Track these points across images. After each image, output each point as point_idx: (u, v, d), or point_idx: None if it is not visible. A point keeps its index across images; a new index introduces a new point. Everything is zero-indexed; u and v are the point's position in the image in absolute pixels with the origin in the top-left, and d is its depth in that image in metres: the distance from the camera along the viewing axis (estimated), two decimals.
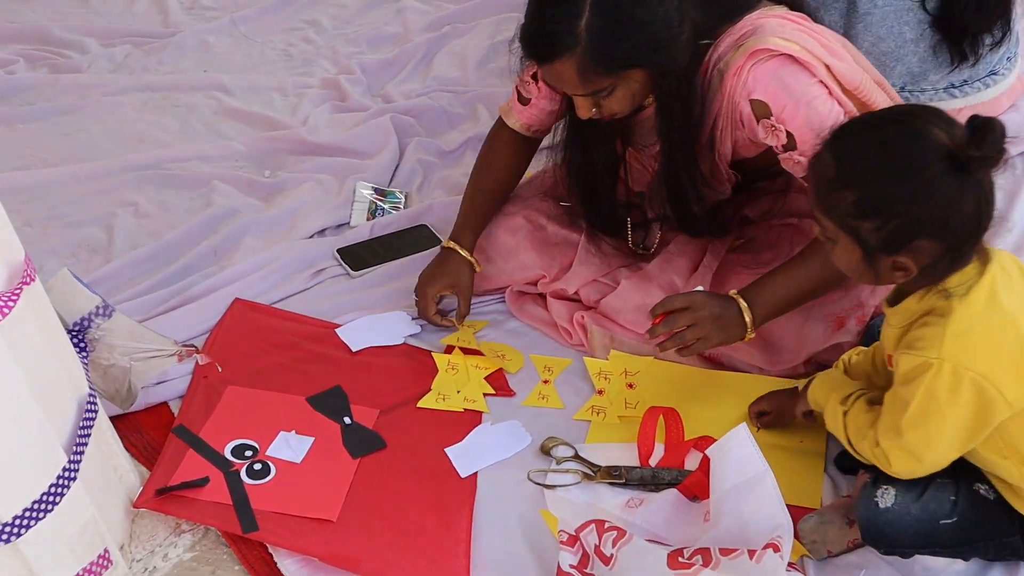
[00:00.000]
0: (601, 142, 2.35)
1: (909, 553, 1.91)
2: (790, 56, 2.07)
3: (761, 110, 2.10)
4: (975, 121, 1.60)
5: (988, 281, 1.70)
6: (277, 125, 3.34)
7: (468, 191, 2.56)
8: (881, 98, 2.21)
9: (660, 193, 2.37)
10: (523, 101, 2.47)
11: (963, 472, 1.84)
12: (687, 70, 2.10)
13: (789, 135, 2.09)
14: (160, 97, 3.49)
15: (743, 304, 2.17)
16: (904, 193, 1.63)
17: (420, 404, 2.33)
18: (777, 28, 2.09)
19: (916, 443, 1.74)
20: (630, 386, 2.35)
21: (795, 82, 2.06)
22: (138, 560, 2.04)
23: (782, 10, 2.19)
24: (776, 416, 2.19)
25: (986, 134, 1.58)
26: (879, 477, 1.87)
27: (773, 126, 2.10)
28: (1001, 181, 2.81)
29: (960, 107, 2.89)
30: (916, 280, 1.73)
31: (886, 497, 1.85)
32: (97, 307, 2.03)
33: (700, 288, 2.24)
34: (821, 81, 2.08)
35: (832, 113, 2.08)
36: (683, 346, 2.17)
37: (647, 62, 2.06)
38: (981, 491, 1.84)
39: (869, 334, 2.25)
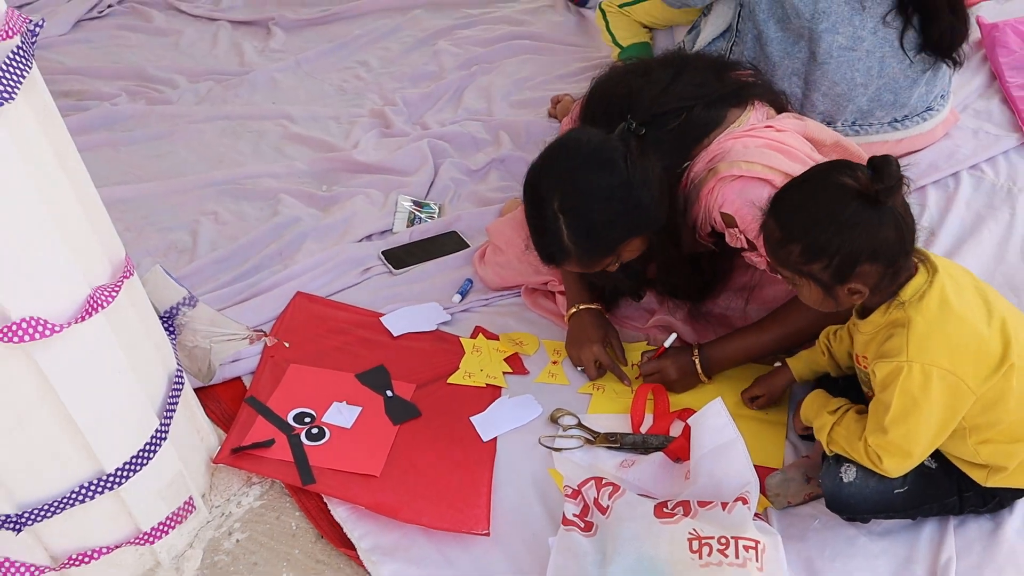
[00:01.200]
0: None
1: (867, 518, 1.92)
2: (752, 177, 2.05)
3: (729, 221, 2.09)
4: (873, 161, 1.66)
5: (938, 288, 1.73)
6: (333, 148, 3.35)
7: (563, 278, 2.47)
8: None
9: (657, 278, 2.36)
10: None
11: None
12: (669, 215, 2.06)
13: (749, 241, 2.09)
14: (236, 124, 3.51)
15: (697, 360, 2.25)
16: (834, 234, 1.68)
17: (450, 380, 2.35)
18: (742, 151, 2.07)
19: (901, 439, 1.75)
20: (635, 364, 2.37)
21: (757, 199, 1.99)
22: (216, 506, 2.07)
23: (748, 123, 2.16)
24: (768, 397, 2.19)
25: (884, 169, 1.64)
26: (842, 455, 1.89)
27: (736, 235, 2.10)
28: (935, 197, 2.83)
29: (900, 138, 2.89)
30: (873, 297, 1.76)
31: (848, 473, 1.86)
32: (184, 298, 2.06)
33: (673, 336, 2.32)
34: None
35: None
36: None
37: (632, 235, 2.02)
38: (925, 463, 1.85)
39: None
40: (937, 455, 1.85)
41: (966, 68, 3.39)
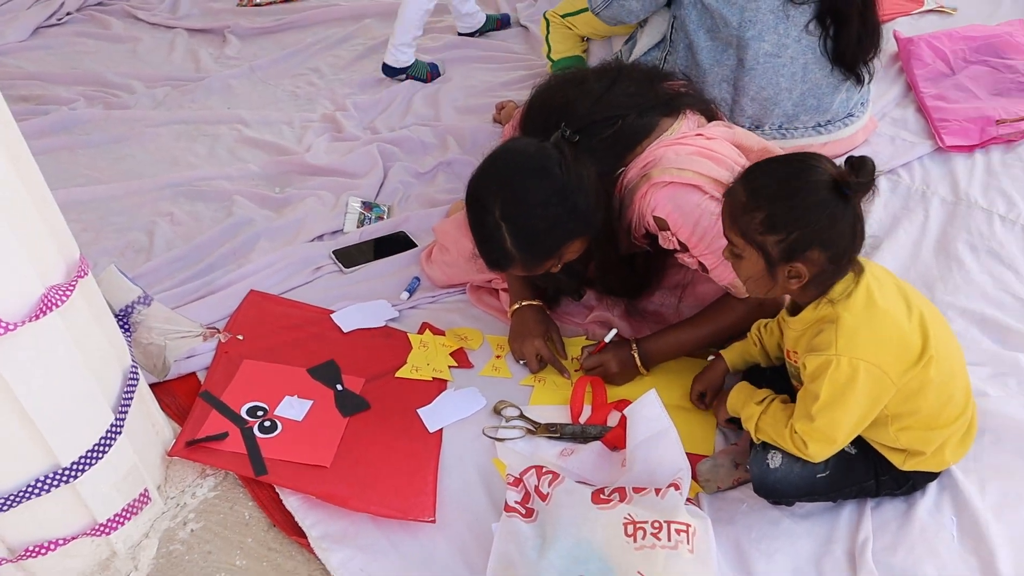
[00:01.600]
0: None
1: (792, 502, 1.94)
2: (682, 183, 2.06)
3: (661, 224, 2.10)
4: (852, 159, 1.67)
5: (864, 287, 1.75)
6: (286, 151, 3.33)
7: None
8: None
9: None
10: None
11: None
12: (605, 217, 2.06)
13: (681, 243, 2.10)
14: (192, 128, 3.46)
15: (636, 354, 2.25)
16: (801, 211, 1.68)
17: (398, 374, 2.33)
18: (673, 159, 2.08)
19: (826, 426, 1.77)
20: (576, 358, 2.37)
21: (686, 203, 2.04)
22: (172, 497, 2.04)
23: (680, 131, 2.17)
24: (711, 391, 2.19)
25: (862, 167, 1.65)
26: (768, 444, 1.90)
27: (668, 237, 2.11)
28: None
29: (824, 142, 2.93)
30: (807, 292, 1.78)
31: (775, 459, 1.88)
32: (138, 297, 2.03)
33: (613, 331, 2.32)
34: (710, 195, 2.05)
35: (717, 225, 2.00)
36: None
37: (571, 238, 2.01)
38: (845, 449, 1.87)
39: None
40: (857, 442, 1.87)
41: (884, 78, 3.45)
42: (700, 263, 2.12)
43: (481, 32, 4.11)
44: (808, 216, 1.68)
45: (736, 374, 2.16)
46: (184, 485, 2.06)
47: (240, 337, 2.35)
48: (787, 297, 1.92)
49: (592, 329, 2.45)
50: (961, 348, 1.89)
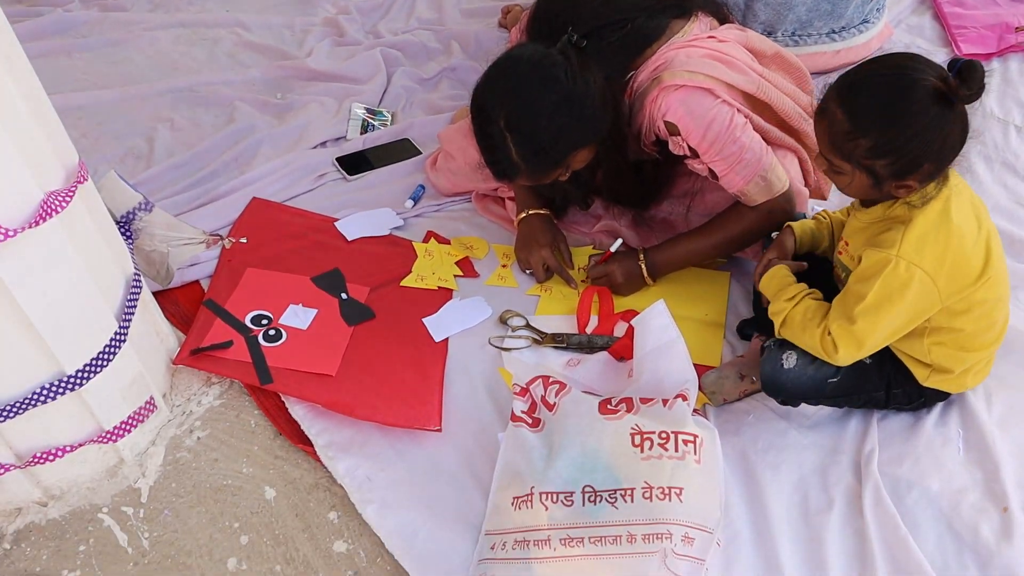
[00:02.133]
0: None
1: (798, 403, 1.93)
2: (694, 85, 2.01)
3: (672, 129, 2.06)
4: (959, 64, 1.58)
5: (944, 197, 1.70)
6: (287, 56, 3.26)
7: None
8: (774, 93, 2.15)
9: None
10: None
11: None
12: (613, 121, 2.02)
13: (692, 148, 2.06)
14: (191, 32, 3.39)
15: (643, 264, 2.23)
16: (910, 135, 1.62)
17: (403, 283, 2.32)
18: (684, 61, 2.03)
19: (865, 330, 1.74)
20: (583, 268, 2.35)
21: (697, 106, 2.00)
22: (177, 406, 2.04)
23: (691, 33, 2.13)
24: (780, 255, 2.01)
25: (971, 75, 1.57)
26: (784, 343, 1.88)
27: (679, 142, 2.07)
28: None
29: (839, 48, 2.87)
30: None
31: (789, 360, 1.86)
32: (139, 203, 2.00)
33: (619, 241, 2.29)
34: (723, 100, 2.02)
35: (728, 129, 2.03)
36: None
37: (578, 147, 1.97)
38: None
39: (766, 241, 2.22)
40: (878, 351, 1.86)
41: None
42: (710, 170, 2.09)
43: None
44: (920, 139, 1.62)
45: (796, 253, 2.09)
46: (190, 393, 2.06)
47: (244, 240, 2.33)
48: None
49: (599, 238, 2.43)
50: (1008, 279, 1.85)
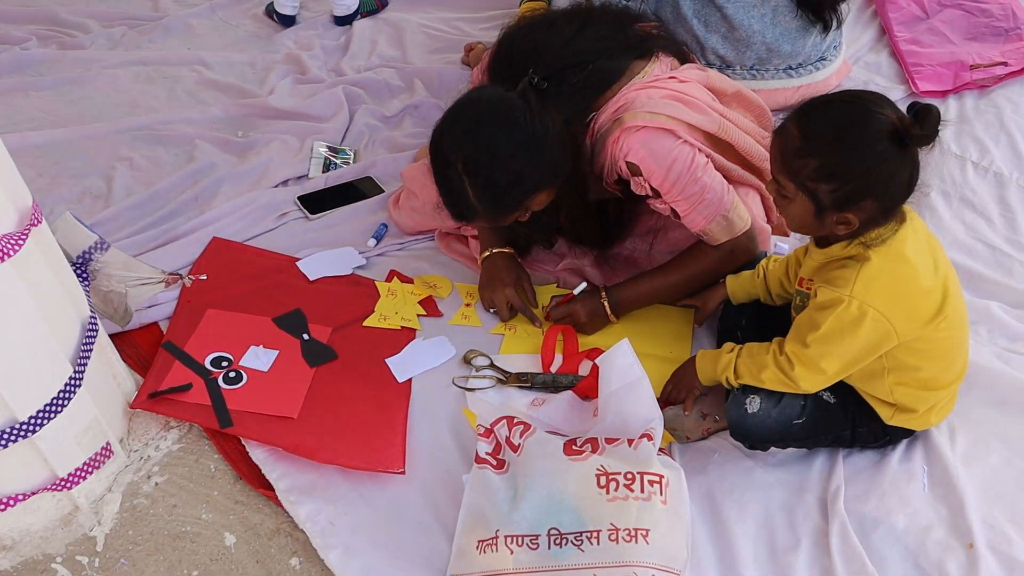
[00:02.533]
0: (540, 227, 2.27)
1: (767, 447, 1.93)
2: (655, 127, 2.03)
3: (634, 169, 2.06)
4: (917, 106, 1.61)
5: (901, 237, 1.71)
6: (248, 94, 3.24)
7: None
8: (736, 133, 2.18)
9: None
10: None
11: None
12: (573, 165, 2.02)
13: (654, 189, 2.07)
14: (151, 70, 3.36)
15: (606, 302, 2.21)
16: (858, 162, 1.62)
17: (366, 323, 2.30)
18: (646, 102, 2.04)
19: (818, 356, 1.75)
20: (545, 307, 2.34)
21: (659, 147, 2.01)
22: (135, 451, 2.00)
23: (652, 74, 2.14)
24: (703, 309, 2.17)
25: (927, 117, 1.59)
26: (747, 388, 1.89)
27: (641, 183, 2.08)
28: None
29: (798, 85, 2.90)
30: (850, 234, 1.72)
31: (753, 404, 1.87)
32: (95, 243, 1.97)
33: (583, 284, 2.27)
34: (684, 140, 2.04)
35: (690, 170, 2.04)
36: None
37: (537, 190, 1.97)
38: (824, 396, 1.87)
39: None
40: (837, 390, 1.86)
41: (857, 22, 3.42)
42: (672, 209, 2.09)
43: None
44: (866, 169, 1.62)
45: (729, 305, 2.14)
46: (147, 438, 2.02)
47: (204, 277, 2.31)
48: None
49: (564, 277, 2.43)
50: (968, 317, 1.87)
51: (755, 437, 1.89)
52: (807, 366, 1.77)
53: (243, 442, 2.00)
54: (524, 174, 1.93)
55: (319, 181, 2.79)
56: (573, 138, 2.03)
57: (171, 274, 2.30)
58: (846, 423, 1.89)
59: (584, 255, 2.39)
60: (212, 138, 2.98)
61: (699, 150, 2.06)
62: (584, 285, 2.26)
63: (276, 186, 2.78)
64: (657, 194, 2.07)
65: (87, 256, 1.96)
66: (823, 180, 1.65)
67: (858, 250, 1.72)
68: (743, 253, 2.14)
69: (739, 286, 2.11)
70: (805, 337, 1.75)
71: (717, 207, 2.07)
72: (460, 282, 2.45)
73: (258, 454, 1.97)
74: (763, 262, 2.09)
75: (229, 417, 2.00)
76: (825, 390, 1.86)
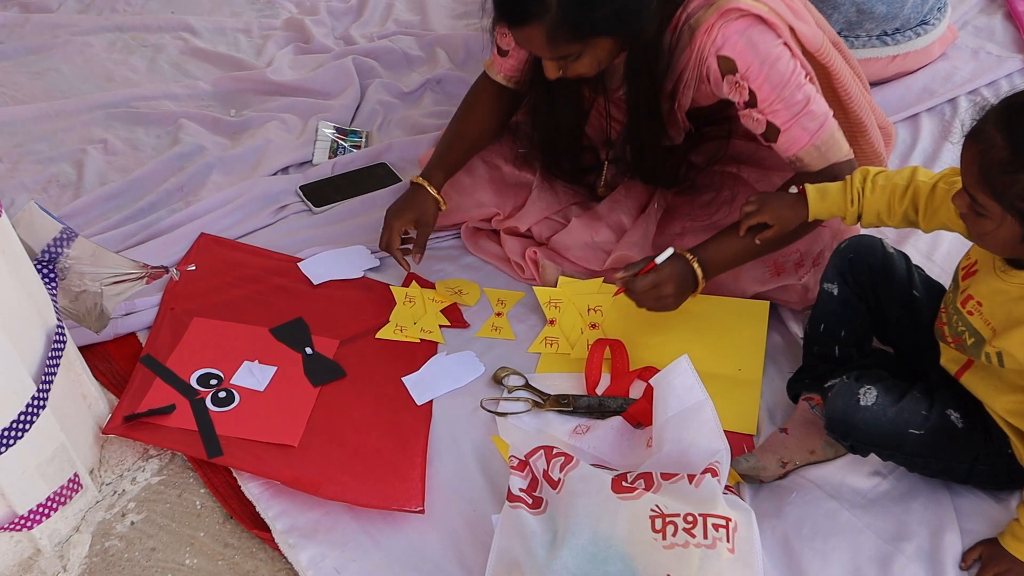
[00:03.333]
0: (568, 94, 2.31)
1: (868, 451, 1.92)
2: (758, 17, 2.04)
3: (727, 66, 2.08)
4: None
5: None
6: (242, 65, 3.28)
7: (446, 135, 2.48)
8: (839, 61, 2.20)
9: (621, 141, 2.36)
10: (502, 53, 2.40)
11: (939, 395, 1.86)
12: (655, 35, 2.07)
13: (752, 93, 2.08)
14: (128, 37, 3.41)
15: (696, 265, 2.16)
16: None
17: (379, 335, 2.31)
18: None
19: None
20: (592, 310, 2.34)
21: (761, 42, 2.04)
22: (107, 483, 2.02)
23: None
24: (778, 228, 2.07)
25: None
26: (863, 375, 1.87)
27: (737, 83, 2.08)
28: (929, 127, 2.83)
29: (894, 54, 2.88)
30: None
31: (868, 396, 1.85)
32: (60, 233, 1.99)
33: (670, 250, 2.18)
34: (785, 43, 2.06)
35: (794, 75, 2.06)
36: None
37: (615, 31, 2.02)
38: (951, 417, 1.85)
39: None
40: (968, 414, 1.84)
41: None
42: (768, 124, 2.10)
43: None
44: None
45: (823, 313, 2.07)
46: (123, 469, 2.04)
47: (193, 267, 2.32)
48: None
49: (609, 277, 2.42)
50: None
51: (861, 435, 1.87)
52: None
53: (234, 474, 2.01)
54: (621, 3, 1.96)
55: (325, 168, 2.82)
56: (660, 18, 2.06)
57: (154, 268, 2.30)
58: (967, 454, 1.86)
59: (633, 244, 2.38)
60: (200, 117, 3.01)
61: (800, 60, 2.09)
62: (671, 251, 2.18)
63: (275, 174, 2.81)
64: (751, 102, 2.09)
65: (54, 251, 1.97)
66: None
67: None
68: None
69: (823, 202, 2.01)
70: None
71: (822, 123, 2.09)
72: (490, 287, 2.46)
73: (252, 489, 1.98)
74: (858, 176, 1.98)
75: (218, 445, 2.02)
76: (955, 410, 1.85)
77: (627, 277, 2.16)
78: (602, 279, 2.42)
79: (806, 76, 2.09)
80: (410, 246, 2.40)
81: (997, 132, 1.58)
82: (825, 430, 1.92)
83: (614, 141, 2.43)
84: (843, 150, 2.14)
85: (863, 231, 2.11)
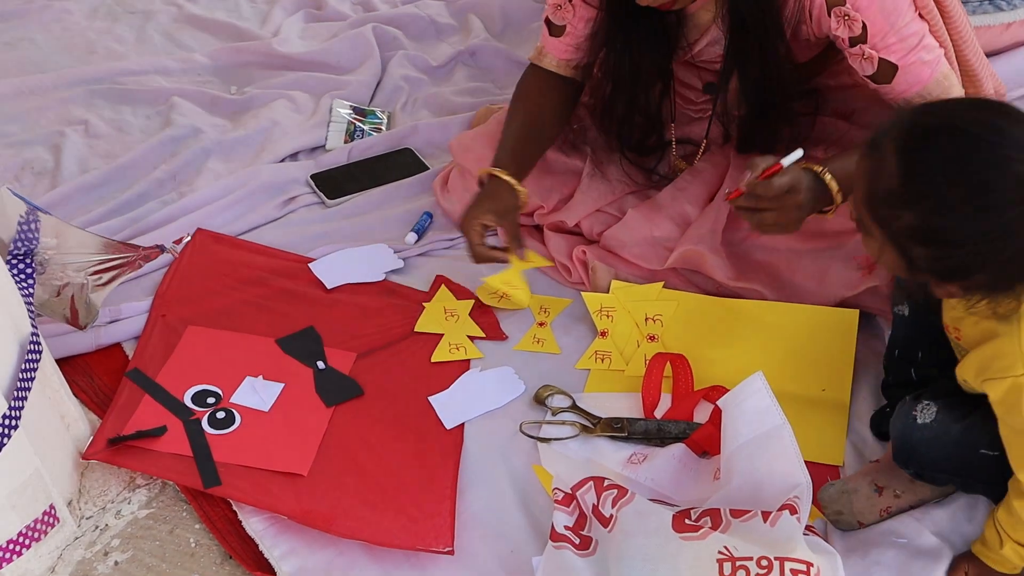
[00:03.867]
0: (649, 43, 2.31)
1: (942, 479, 1.91)
2: None
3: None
4: None
5: None
6: (244, 35, 3.30)
7: (507, 131, 2.45)
8: (933, 9, 2.19)
9: (724, 88, 2.36)
10: (556, 32, 2.40)
11: None
12: None
13: (863, 26, 2.10)
14: (113, 2, 3.44)
15: (830, 178, 2.10)
16: (976, 232, 1.57)
17: (434, 359, 2.31)
18: None
19: None
20: (651, 320, 2.35)
21: None
22: (88, 517, 2.03)
23: None
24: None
25: None
26: (921, 393, 1.87)
27: (847, 14, 2.11)
28: None
29: (1009, 21, 2.86)
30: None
31: (926, 413, 1.84)
32: (26, 215, 2.00)
33: (799, 152, 2.08)
34: None
35: (906, 4, 2.09)
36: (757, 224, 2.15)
37: None
38: None
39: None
40: None
41: None
42: (881, 60, 2.13)
43: None
44: (985, 240, 1.57)
45: (901, 336, 2.11)
46: (106, 500, 2.06)
47: (188, 237, 2.34)
48: None
49: (671, 280, 2.42)
50: None
51: (922, 459, 1.86)
52: None
53: (234, 507, 2.02)
54: None
55: (340, 154, 2.84)
56: None
57: (147, 248, 2.29)
58: None
59: (700, 239, 2.38)
60: (195, 95, 3.04)
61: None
62: (800, 152, 2.08)
63: (282, 160, 2.84)
64: (862, 36, 2.11)
65: (27, 240, 1.99)
66: (920, 244, 1.62)
67: (991, 325, 1.69)
68: None
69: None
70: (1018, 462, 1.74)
71: (939, 59, 2.13)
72: (532, 293, 2.46)
73: (255, 524, 1.99)
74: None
75: (216, 473, 2.03)
76: None
77: (752, 181, 2.09)
78: (662, 283, 2.42)
79: (915, 11, 2.11)
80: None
81: (893, 155, 1.61)
82: (894, 461, 1.92)
83: (717, 80, 2.38)
84: (957, 86, 2.17)
85: None
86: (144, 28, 3.34)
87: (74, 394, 2.13)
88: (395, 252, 2.55)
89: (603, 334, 2.34)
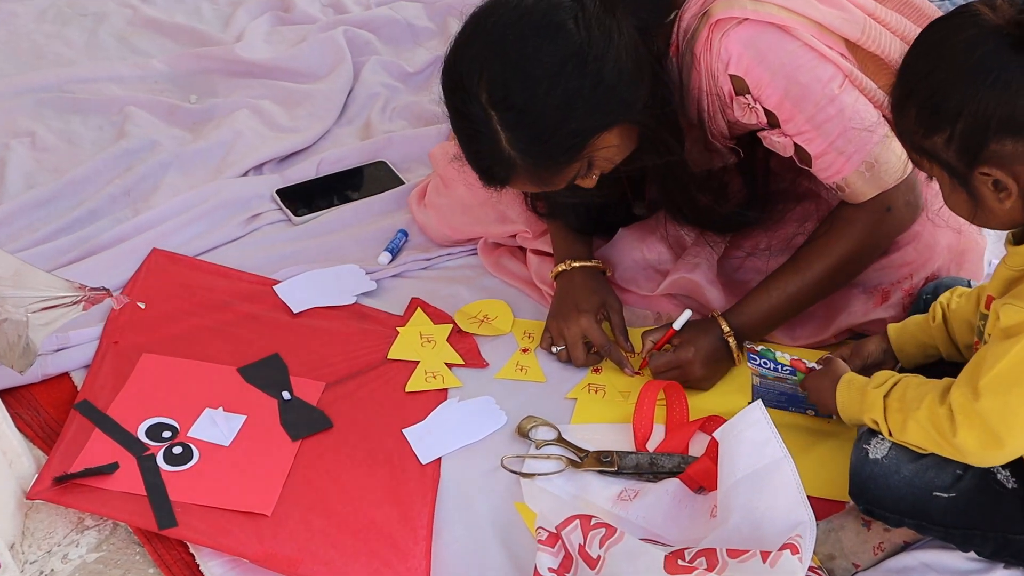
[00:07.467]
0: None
1: (895, 520, 1.92)
2: (761, 21, 2.04)
3: (739, 85, 2.09)
4: None
5: None
6: (205, 40, 3.31)
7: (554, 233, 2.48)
8: (889, 41, 2.17)
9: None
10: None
11: None
12: (652, 88, 2.04)
13: (769, 113, 2.09)
14: (64, 4, 3.45)
15: (731, 339, 2.23)
16: (954, 85, 1.64)
17: (408, 388, 2.32)
18: None
19: (993, 410, 1.73)
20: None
21: (770, 48, 2.04)
22: (32, 562, 2.03)
23: None
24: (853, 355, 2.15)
25: None
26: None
27: (749, 105, 2.09)
28: None
29: None
30: None
31: (878, 448, 1.87)
32: None
33: (687, 314, 2.27)
34: (804, 43, 2.05)
35: (822, 81, 2.06)
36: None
37: (600, 127, 1.99)
38: (999, 476, 1.84)
39: (915, 306, 2.24)
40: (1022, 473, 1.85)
41: None
42: (797, 148, 2.11)
43: None
44: (966, 90, 1.63)
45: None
46: (52, 543, 2.06)
47: (142, 305, 2.35)
48: None
49: (665, 308, 2.43)
50: None
51: (873, 497, 1.89)
52: (975, 427, 1.75)
53: (191, 550, 2.02)
54: (578, 102, 1.93)
55: (308, 168, 2.85)
56: (650, 52, 2.05)
57: (93, 290, 2.31)
58: (1018, 521, 1.85)
59: (695, 266, 2.39)
60: (152, 104, 3.04)
61: (832, 61, 2.07)
62: (688, 315, 2.26)
63: (246, 174, 2.84)
64: (773, 122, 2.10)
65: None
66: (930, 130, 1.67)
67: None
68: (906, 210, 2.18)
69: (908, 336, 2.10)
70: (977, 381, 1.74)
71: (866, 142, 2.08)
72: (514, 317, 2.48)
73: (214, 568, 1.98)
74: (943, 298, 2.08)
75: (172, 513, 2.03)
76: (1004, 467, 1.84)
77: (646, 352, 2.24)
78: (656, 316, 2.44)
79: (841, 83, 2.08)
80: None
81: (899, 72, 1.76)
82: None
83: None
84: (891, 172, 2.13)
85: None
86: (96, 32, 3.34)
87: (18, 428, 2.13)
88: (367, 273, 2.56)
89: (596, 370, 2.36)
